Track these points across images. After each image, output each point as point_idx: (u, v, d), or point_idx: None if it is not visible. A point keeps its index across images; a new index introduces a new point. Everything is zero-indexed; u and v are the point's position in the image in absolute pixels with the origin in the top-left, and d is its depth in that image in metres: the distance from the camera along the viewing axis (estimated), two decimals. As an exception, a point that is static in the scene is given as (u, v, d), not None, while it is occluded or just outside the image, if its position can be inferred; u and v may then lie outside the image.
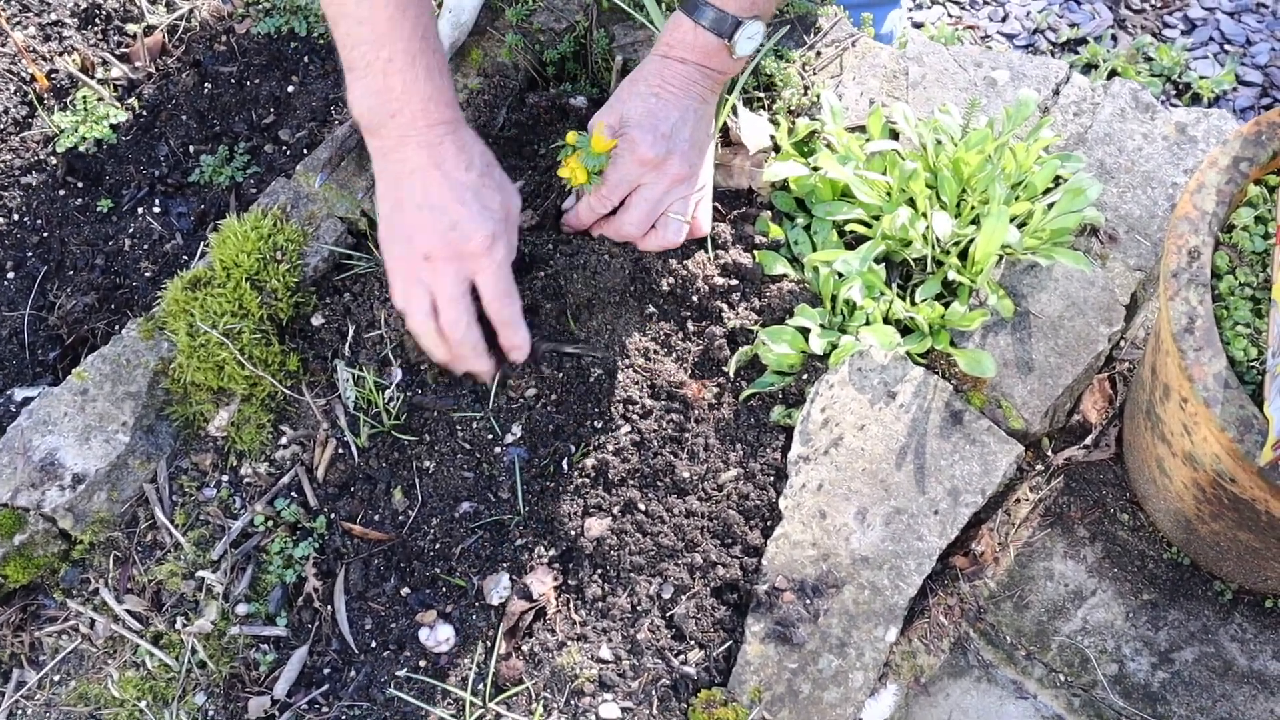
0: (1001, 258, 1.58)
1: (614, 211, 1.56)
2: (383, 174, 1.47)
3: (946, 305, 1.55)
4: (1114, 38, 2.84)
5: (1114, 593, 1.50)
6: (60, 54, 2.02)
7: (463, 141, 1.46)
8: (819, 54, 1.79)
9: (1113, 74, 2.70)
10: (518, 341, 1.50)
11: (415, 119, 1.42)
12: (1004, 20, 2.89)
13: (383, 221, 1.48)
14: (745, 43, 1.50)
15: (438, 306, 1.45)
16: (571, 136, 1.51)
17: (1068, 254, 1.53)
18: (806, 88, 1.74)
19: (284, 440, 1.58)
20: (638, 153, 1.50)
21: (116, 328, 1.76)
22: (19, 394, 1.72)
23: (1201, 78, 2.71)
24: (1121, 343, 1.63)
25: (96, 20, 2.07)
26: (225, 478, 1.58)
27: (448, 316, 1.45)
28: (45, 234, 1.87)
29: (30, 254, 1.86)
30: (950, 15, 2.90)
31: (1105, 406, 1.60)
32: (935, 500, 1.44)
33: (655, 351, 1.57)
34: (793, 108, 1.72)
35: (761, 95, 1.73)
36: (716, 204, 1.67)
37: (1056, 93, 1.74)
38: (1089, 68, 2.75)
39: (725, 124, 1.67)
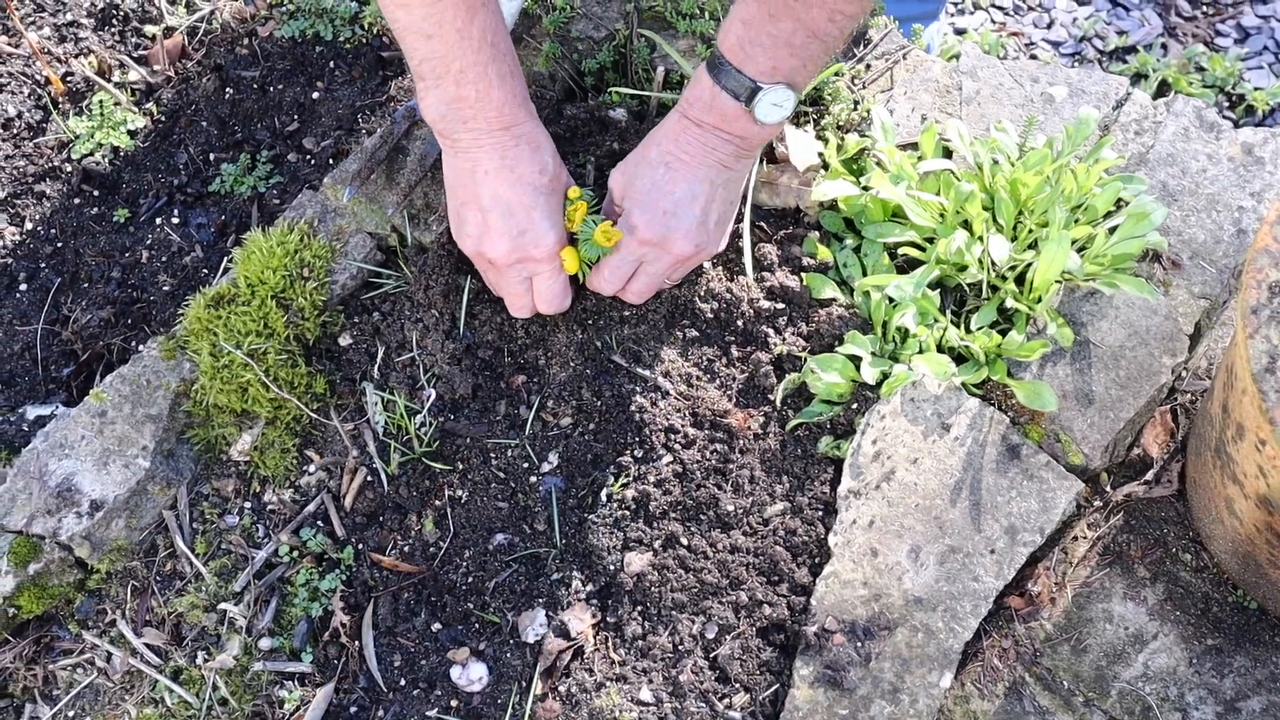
0: (1060, 284, 1.56)
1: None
2: (455, 169, 1.49)
3: (1003, 333, 1.54)
4: (1164, 46, 2.82)
5: (1176, 637, 1.48)
6: (76, 56, 2.02)
7: (537, 143, 1.48)
8: (868, 67, 1.78)
9: (1163, 85, 2.69)
10: (556, 310, 1.58)
11: (490, 123, 1.44)
12: (1049, 27, 2.87)
13: (453, 214, 1.52)
14: (769, 110, 1.41)
15: (501, 293, 1.56)
16: (574, 193, 1.51)
17: (1130, 281, 1.51)
18: (856, 102, 1.73)
19: (310, 466, 1.57)
20: (637, 234, 1.49)
21: (133, 343, 1.75)
22: (31, 412, 1.71)
23: (1256, 89, 2.69)
24: (1184, 373, 1.62)
25: (114, 21, 2.07)
26: (248, 505, 1.56)
27: (511, 304, 1.56)
28: (59, 244, 1.86)
29: (44, 265, 1.85)
30: (994, 22, 2.89)
31: (1167, 440, 1.58)
32: (991, 539, 1.43)
33: (698, 378, 1.56)
34: (842, 123, 1.70)
35: (809, 110, 1.71)
36: (762, 224, 1.66)
37: (1117, 110, 1.72)
38: (1138, 78, 2.73)
39: (771, 141, 1.65)
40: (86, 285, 1.82)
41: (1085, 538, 1.54)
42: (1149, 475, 1.56)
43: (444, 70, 1.40)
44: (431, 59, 1.39)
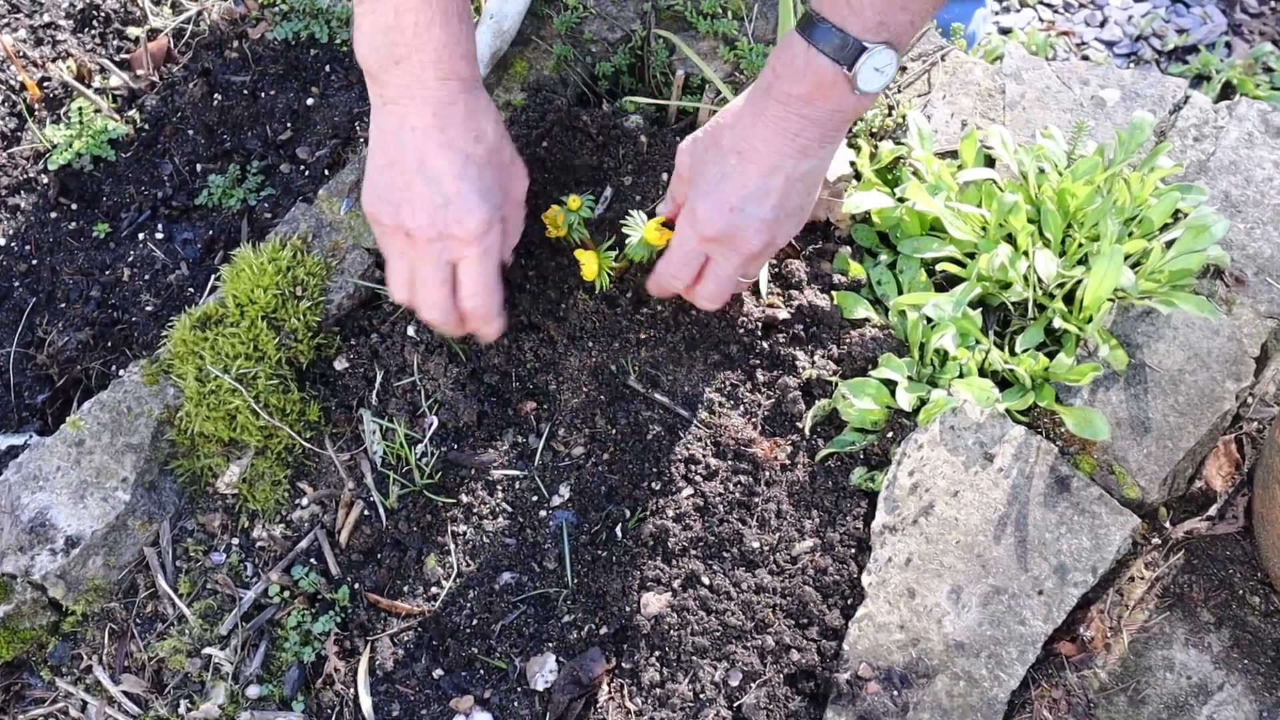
0: (1113, 302, 1.57)
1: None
2: (380, 126, 1.44)
3: (1051, 356, 1.55)
4: (1228, 45, 2.82)
5: (1244, 687, 1.48)
6: (54, 60, 2.05)
7: (475, 105, 1.43)
8: (904, 69, 1.80)
9: (1227, 87, 2.69)
10: (488, 333, 1.55)
11: (424, 69, 1.38)
12: (1102, 25, 2.89)
13: (370, 177, 1.46)
14: (871, 75, 1.31)
15: (415, 283, 1.48)
16: (574, 202, 1.53)
17: (1189, 299, 1.52)
18: (891, 108, 1.74)
19: (303, 500, 1.59)
20: (699, 229, 1.45)
21: (113, 367, 1.78)
22: (3, 442, 1.73)
23: (1328, 92, 2.70)
24: (1250, 399, 1.62)
25: (94, 23, 2.10)
26: (236, 541, 1.58)
27: (424, 298, 1.48)
28: (34, 261, 1.89)
29: (18, 284, 1.88)
30: (1042, 20, 2.90)
31: (1232, 472, 1.59)
32: (1039, 578, 1.43)
33: (721, 404, 1.57)
34: (875, 130, 1.72)
35: (840, 115, 1.73)
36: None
37: (1174, 114, 1.74)
38: (1199, 79, 2.74)
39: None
40: (63, 305, 1.85)
41: (1143, 578, 1.54)
42: (1212, 510, 1.56)
43: None
44: None
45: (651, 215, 1.59)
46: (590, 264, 1.53)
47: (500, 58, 1.81)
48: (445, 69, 1.39)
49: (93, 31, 2.10)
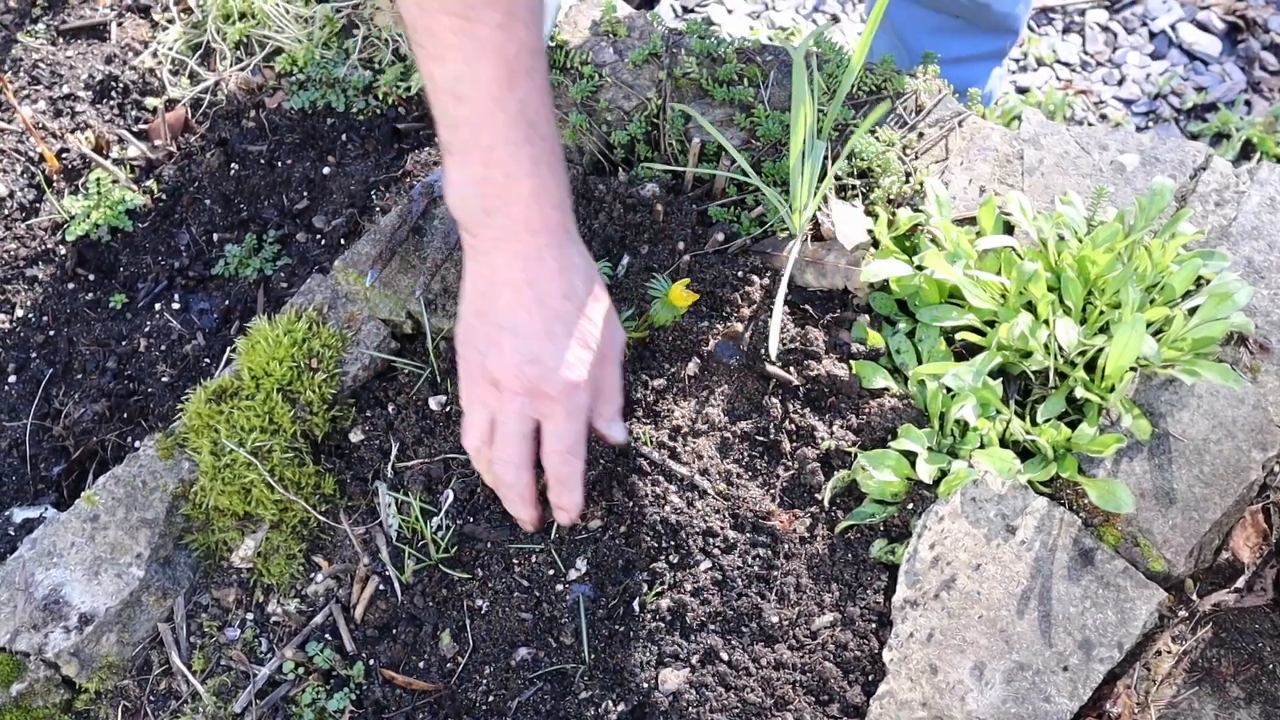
0: (1135, 371, 1.56)
1: None
2: (473, 275, 1.42)
3: (1073, 426, 1.54)
4: (1248, 103, 2.83)
5: (1275, 764, 1.46)
6: (72, 131, 2.07)
7: (567, 260, 1.40)
8: (921, 135, 1.80)
9: (1247, 145, 2.70)
10: (567, 504, 1.46)
11: (514, 221, 1.36)
12: (1120, 84, 2.90)
13: (462, 321, 1.44)
14: None
15: (494, 432, 1.43)
16: None
17: (1213, 368, 1.51)
18: (908, 174, 1.75)
19: (318, 574, 1.58)
20: None
21: (129, 439, 1.78)
22: (19, 515, 1.74)
23: (1351, 149, 2.70)
24: (1276, 468, 1.61)
25: (113, 93, 2.13)
26: (250, 616, 1.58)
27: (500, 454, 1.43)
28: (51, 333, 1.90)
29: (35, 355, 1.89)
30: (1059, 79, 2.91)
31: (1260, 543, 1.57)
32: (1064, 654, 1.42)
33: (738, 476, 1.57)
34: (893, 197, 1.72)
35: (857, 183, 1.74)
36: (807, 306, 1.67)
37: (1194, 179, 1.74)
38: (1219, 137, 2.74)
39: (816, 216, 1.67)
40: (80, 376, 1.86)
41: (1170, 652, 1.52)
42: (1240, 582, 1.55)
43: (472, 142, 1.34)
44: (460, 127, 1.33)
45: (674, 279, 1.59)
46: None
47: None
48: (535, 222, 1.36)
49: (111, 102, 2.12)
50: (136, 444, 1.67)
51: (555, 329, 1.38)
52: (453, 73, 1.29)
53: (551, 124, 1.37)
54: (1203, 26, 2.99)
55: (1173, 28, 2.99)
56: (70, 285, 1.94)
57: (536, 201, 1.36)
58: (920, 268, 1.64)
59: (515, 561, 1.55)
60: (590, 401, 1.42)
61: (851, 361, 1.61)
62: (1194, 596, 1.54)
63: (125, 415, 1.82)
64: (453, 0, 1.25)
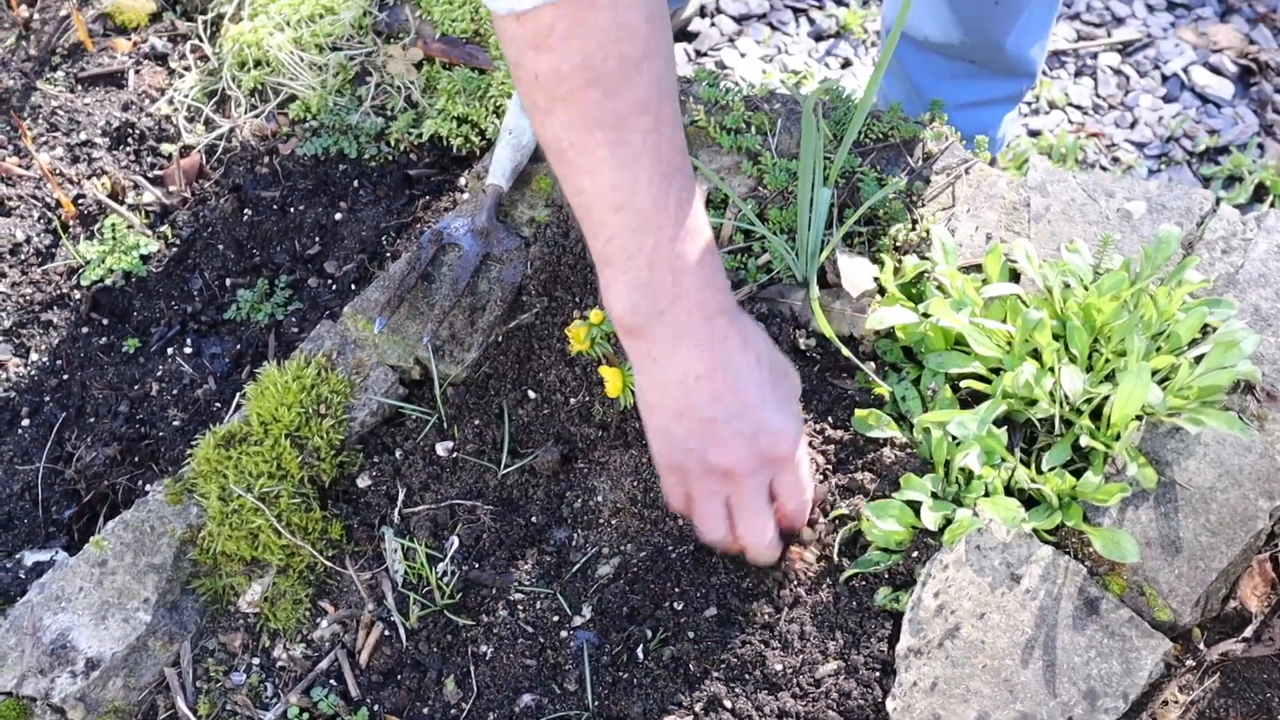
0: (1141, 420, 1.56)
1: None
2: (655, 380, 1.39)
3: (1078, 474, 1.53)
4: (1260, 146, 2.83)
5: (1284, 817, 1.44)
6: (89, 177, 2.10)
7: (745, 332, 1.39)
8: (928, 182, 1.81)
9: (1260, 188, 2.70)
10: (798, 525, 1.53)
11: (690, 314, 1.33)
12: (1132, 127, 2.90)
13: (660, 433, 1.42)
14: None
15: (735, 516, 1.44)
16: (596, 316, 1.54)
17: (1219, 416, 1.51)
18: (914, 222, 1.76)
19: (324, 619, 1.59)
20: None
21: (139, 482, 1.80)
22: (30, 558, 1.75)
23: (1364, 192, 2.69)
24: (1284, 517, 1.60)
25: (129, 140, 2.16)
26: (256, 661, 1.59)
27: (752, 527, 1.45)
28: (65, 376, 1.93)
29: (48, 399, 1.91)
30: (1071, 122, 2.92)
31: (1267, 593, 1.57)
32: (1068, 704, 1.41)
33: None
34: (899, 244, 1.73)
35: (862, 230, 1.74)
36: (816, 354, 1.68)
37: (1201, 226, 1.74)
38: (1232, 180, 2.74)
39: (823, 266, 1.68)
40: (93, 420, 1.88)
41: (1177, 702, 1.51)
42: (1248, 632, 1.54)
43: (635, 249, 1.29)
44: (619, 236, 1.29)
45: None
46: (614, 381, 1.53)
47: (521, 172, 1.84)
48: (710, 308, 1.34)
49: (128, 149, 2.15)
50: (147, 487, 1.68)
51: (764, 394, 1.38)
52: (608, 183, 1.25)
53: (702, 214, 1.34)
54: (1215, 70, 2.99)
55: (1185, 71, 3.00)
56: (84, 330, 1.96)
57: (709, 289, 1.34)
58: (926, 315, 1.64)
59: (520, 607, 1.55)
60: (805, 457, 1.47)
61: (857, 409, 1.62)
62: (1201, 646, 1.53)
63: (136, 459, 1.83)
64: (604, 114, 1.21)
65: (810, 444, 1.60)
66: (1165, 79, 3.01)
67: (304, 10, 2.16)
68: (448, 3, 2.14)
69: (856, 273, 1.67)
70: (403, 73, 2.09)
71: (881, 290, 1.70)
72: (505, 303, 1.71)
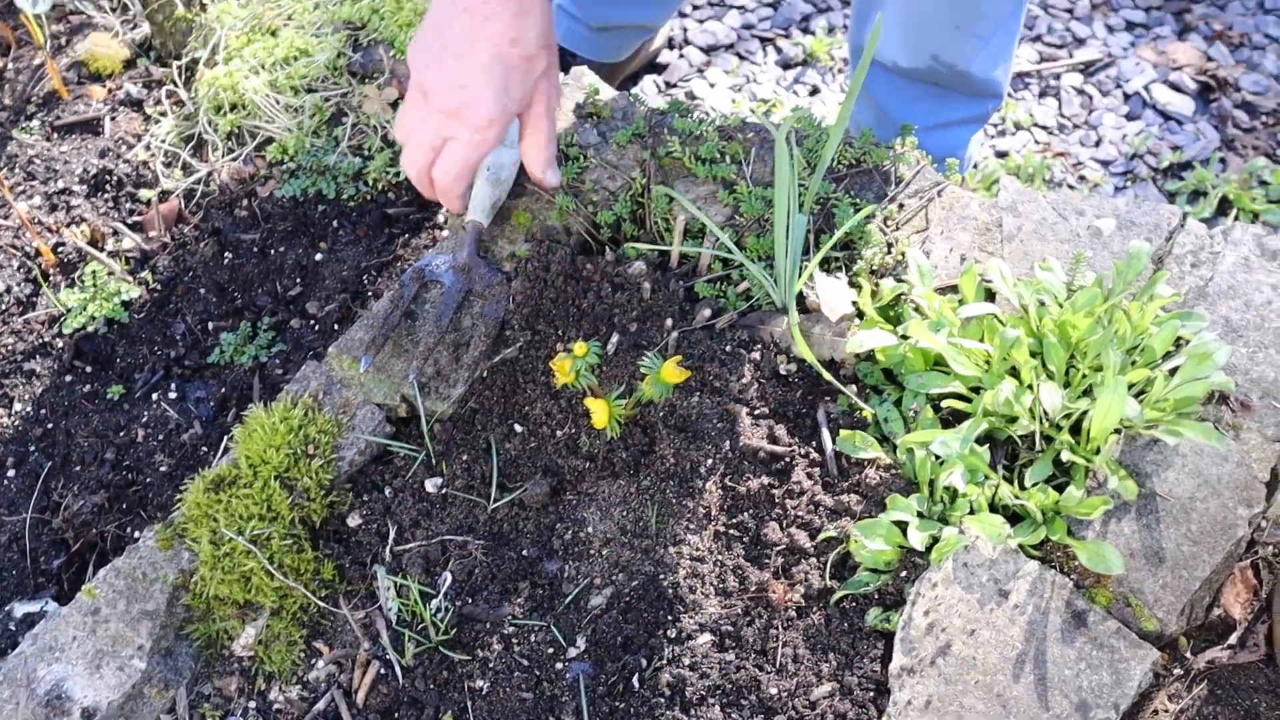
0: (1119, 433, 1.58)
1: None
2: (438, 3, 1.57)
3: (1060, 489, 1.55)
4: (1223, 161, 2.87)
5: (1276, 821, 1.46)
6: (68, 225, 2.10)
7: (525, 8, 1.55)
8: (901, 206, 1.83)
9: (1224, 202, 2.74)
10: (448, 206, 1.71)
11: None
12: (1097, 145, 2.94)
13: (420, 31, 1.59)
14: None
15: (409, 137, 1.63)
16: (580, 349, 1.56)
17: (1195, 427, 1.53)
18: (889, 245, 1.78)
19: (319, 660, 1.59)
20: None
21: (128, 529, 1.80)
22: (19, 609, 1.75)
23: (1326, 202, 2.74)
24: (1263, 523, 1.62)
25: (107, 187, 2.16)
26: (253, 704, 1.58)
27: (409, 155, 1.65)
28: (49, 425, 1.92)
29: (33, 448, 1.90)
30: (1037, 142, 2.96)
31: (1250, 599, 1.59)
32: (1061, 717, 1.42)
33: (733, 549, 1.58)
34: (875, 268, 1.75)
35: (839, 255, 1.76)
36: (798, 379, 1.69)
37: (1170, 241, 1.77)
38: (1196, 195, 2.78)
39: (802, 291, 1.70)
40: (79, 468, 1.88)
41: (1166, 710, 1.53)
42: (1233, 639, 1.56)
43: None
44: None
45: (663, 356, 1.62)
46: (600, 412, 1.55)
47: (501, 208, 1.85)
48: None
49: (106, 196, 2.15)
50: (136, 534, 1.68)
51: (493, 68, 1.55)
52: None
53: None
54: (1175, 87, 3.04)
55: (1146, 89, 3.04)
56: (68, 378, 1.96)
57: None
58: (905, 337, 1.66)
59: (514, 641, 1.56)
60: (495, 142, 1.62)
61: (841, 431, 1.63)
62: (1188, 654, 1.55)
63: (124, 506, 1.83)
64: None
65: (795, 466, 1.62)
66: (1127, 97, 3.05)
67: (278, 53, 2.18)
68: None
69: (835, 297, 1.69)
70: (378, 112, 2.10)
71: (860, 314, 1.72)
72: (489, 337, 1.73)
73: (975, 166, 2.74)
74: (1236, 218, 2.70)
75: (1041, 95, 3.08)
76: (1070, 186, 2.86)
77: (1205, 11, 3.21)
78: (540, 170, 1.73)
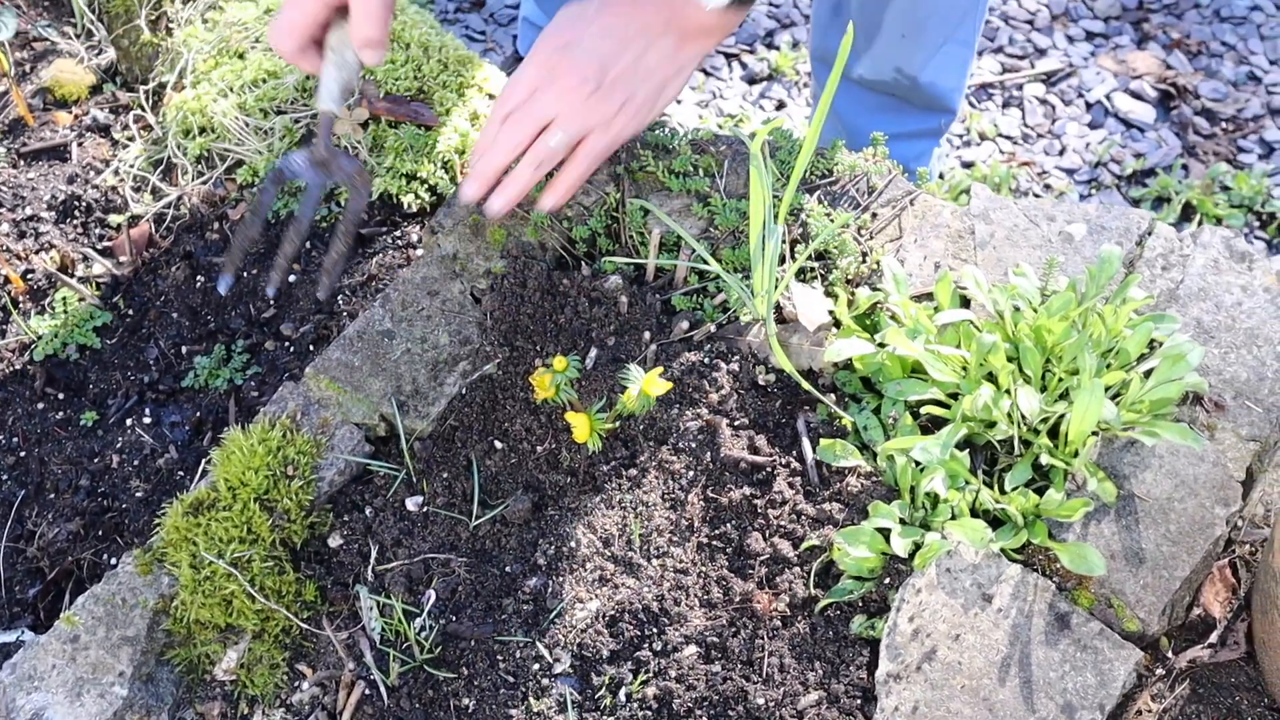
0: (1097, 435, 1.59)
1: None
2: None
3: (1040, 492, 1.56)
4: (1185, 167, 2.91)
5: (1262, 817, 1.47)
6: (37, 252, 2.09)
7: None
8: (874, 216, 1.84)
9: (1188, 207, 2.77)
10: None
11: None
12: (1062, 154, 2.97)
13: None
14: None
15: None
16: (560, 363, 1.55)
17: (1172, 428, 1.54)
18: (864, 254, 1.78)
19: (303, 683, 1.58)
20: (529, 60, 1.70)
21: (105, 556, 1.78)
22: (-4, 639, 1.73)
23: (1287, 205, 2.77)
24: (1240, 522, 1.64)
25: (76, 212, 2.14)
26: (236, 729, 1.57)
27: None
28: (22, 453, 1.90)
29: (6, 477, 1.88)
30: (1002, 152, 2.98)
31: (1229, 598, 1.60)
32: (1047, 719, 1.43)
33: (717, 560, 1.58)
34: (851, 277, 1.76)
35: (815, 265, 1.77)
36: (777, 389, 1.70)
37: (1140, 245, 1.78)
38: (1160, 201, 2.81)
39: (779, 302, 1.70)
40: (53, 496, 1.85)
41: (1150, 710, 1.54)
42: (1213, 637, 1.57)
43: None
44: None
45: (643, 369, 1.62)
46: (582, 426, 1.54)
47: (476, 224, 1.85)
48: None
49: (75, 221, 2.14)
50: (113, 561, 1.66)
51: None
52: None
53: None
54: (1136, 95, 3.08)
55: (1108, 98, 3.08)
56: (40, 405, 1.94)
57: None
58: (882, 345, 1.67)
59: (499, 658, 1.55)
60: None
61: (821, 440, 1.64)
62: (1170, 654, 1.56)
63: (100, 533, 1.81)
64: None
65: (776, 476, 1.62)
66: (1089, 106, 3.08)
67: (247, 76, 2.17)
68: (390, 62, 2.15)
69: (812, 307, 1.70)
70: (349, 133, 2.09)
71: (837, 323, 1.72)
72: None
73: (941, 177, 2.76)
74: (1200, 223, 2.73)
75: (1005, 106, 3.11)
76: (1036, 195, 2.88)
77: (1163, 20, 3.25)
78: (360, 43, 1.69)
